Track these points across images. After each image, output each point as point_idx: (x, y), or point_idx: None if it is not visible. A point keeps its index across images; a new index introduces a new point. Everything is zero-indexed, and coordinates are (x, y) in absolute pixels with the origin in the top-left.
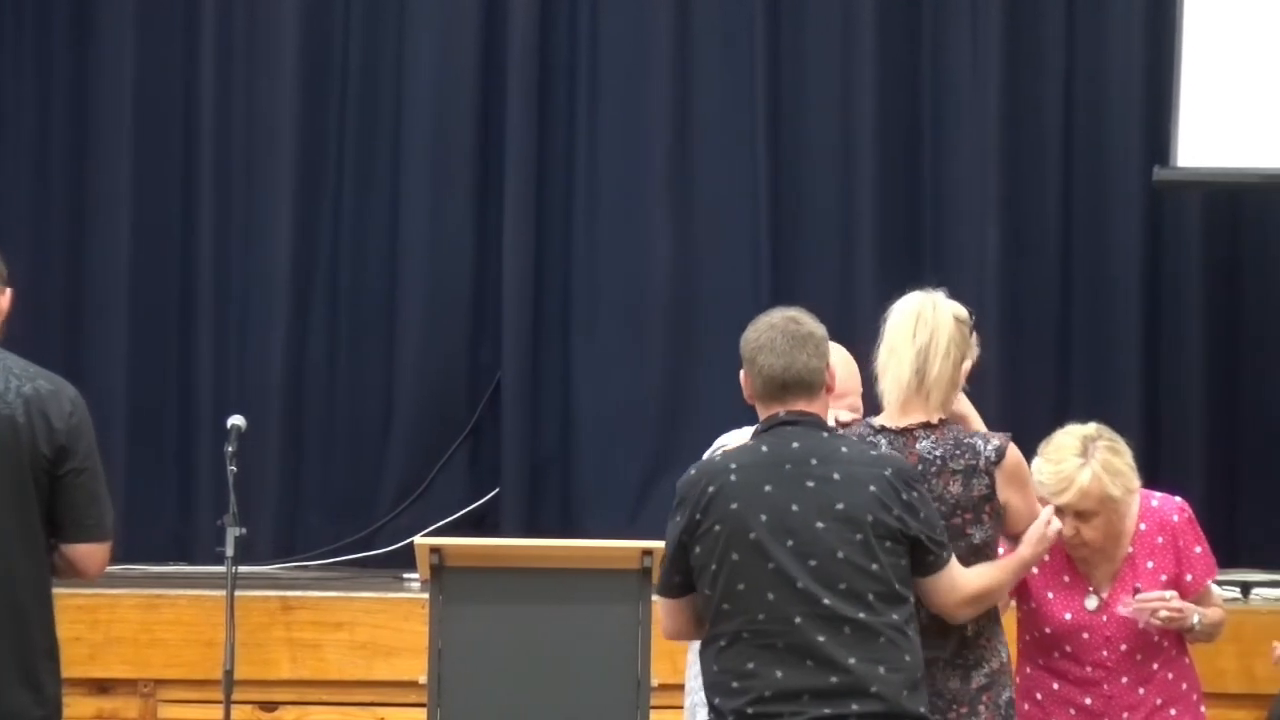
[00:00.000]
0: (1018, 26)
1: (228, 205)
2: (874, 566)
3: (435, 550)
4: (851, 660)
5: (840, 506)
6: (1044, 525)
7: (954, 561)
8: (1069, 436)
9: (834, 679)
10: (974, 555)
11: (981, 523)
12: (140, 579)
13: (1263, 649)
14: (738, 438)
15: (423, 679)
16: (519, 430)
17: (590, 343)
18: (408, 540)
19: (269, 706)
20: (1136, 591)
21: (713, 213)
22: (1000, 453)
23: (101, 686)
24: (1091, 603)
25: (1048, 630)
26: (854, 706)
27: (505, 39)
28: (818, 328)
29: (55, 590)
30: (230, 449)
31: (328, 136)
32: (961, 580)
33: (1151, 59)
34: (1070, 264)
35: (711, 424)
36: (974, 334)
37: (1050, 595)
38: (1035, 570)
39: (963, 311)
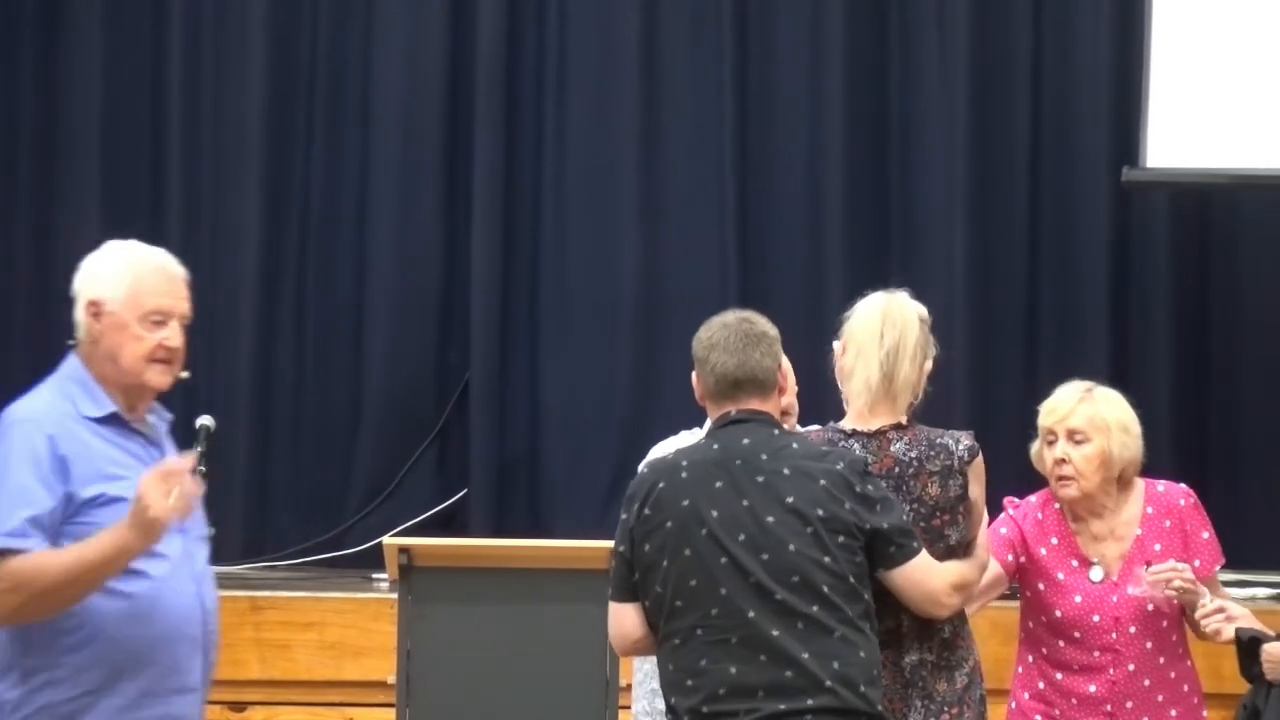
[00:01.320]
0: (986, 27)
1: (196, 206)
2: (826, 559)
3: (404, 550)
4: (805, 655)
5: (790, 500)
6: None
7: (925, 553)
8: (1077, 382)
9: (789, 673)
10: (949, 555)
11: (957, 523)
12: None
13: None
14: (673, 444)
15: (392, 679)
16: (487, 431)
17: (558, 343)
18: (377, 540)
19: (238, 707)
20: (1148, 565)
21: (681, 213)
22: (973, 452)
23: None
24: (1096, 573)
25: (1057, 614)
26: (809, 702)
27: (473, 41)
28: (770, 328)
29: None
30: (199, 449)
31: (296, 138)
32: (939, 569)
33: (1120, 60)
34: (1039, 264)
35: (679, 424)
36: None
37: (1061, 577)
38: (1044, 552)
39: (924, 312)
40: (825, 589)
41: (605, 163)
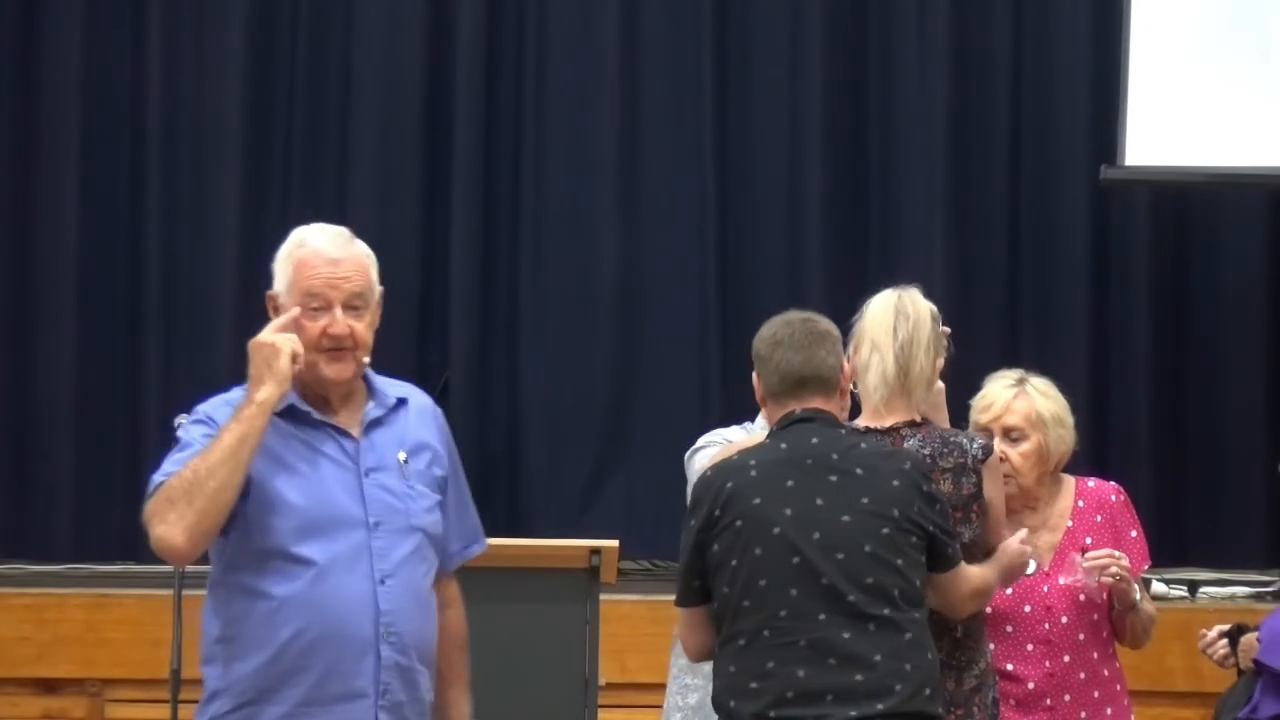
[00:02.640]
0: (965, 25)
1: (175, 206)
2: (899, 562)
3: None
4: (877, 657)
5: (865, 500)
6: (1019, 540)
7: (962, 559)
8: (1006, 372)
9: (859, 677)
10: (964, 554)
11: (970, 522)
12: (88, 578)
13: None
14: (729, 435)
15: None
16: (466, 429)
17: (537, 342)
18: None
19: None
20: (1084, 551)
21: (660, 210)
22: (987, 450)
23: (48, 686)
24: (1029, 567)
25: (989, 610)
26: (879, 706)
27: (453, 38)
28: (833, 328)
29: (1, 589)
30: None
31: (274, 138)
32: (970, 574)
33: (1099, 58)
34: (1018, 262)
35: (658, 422)
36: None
37: None
38: None
39: (935, 309)
40: (896, 592)
41: (584, 160)
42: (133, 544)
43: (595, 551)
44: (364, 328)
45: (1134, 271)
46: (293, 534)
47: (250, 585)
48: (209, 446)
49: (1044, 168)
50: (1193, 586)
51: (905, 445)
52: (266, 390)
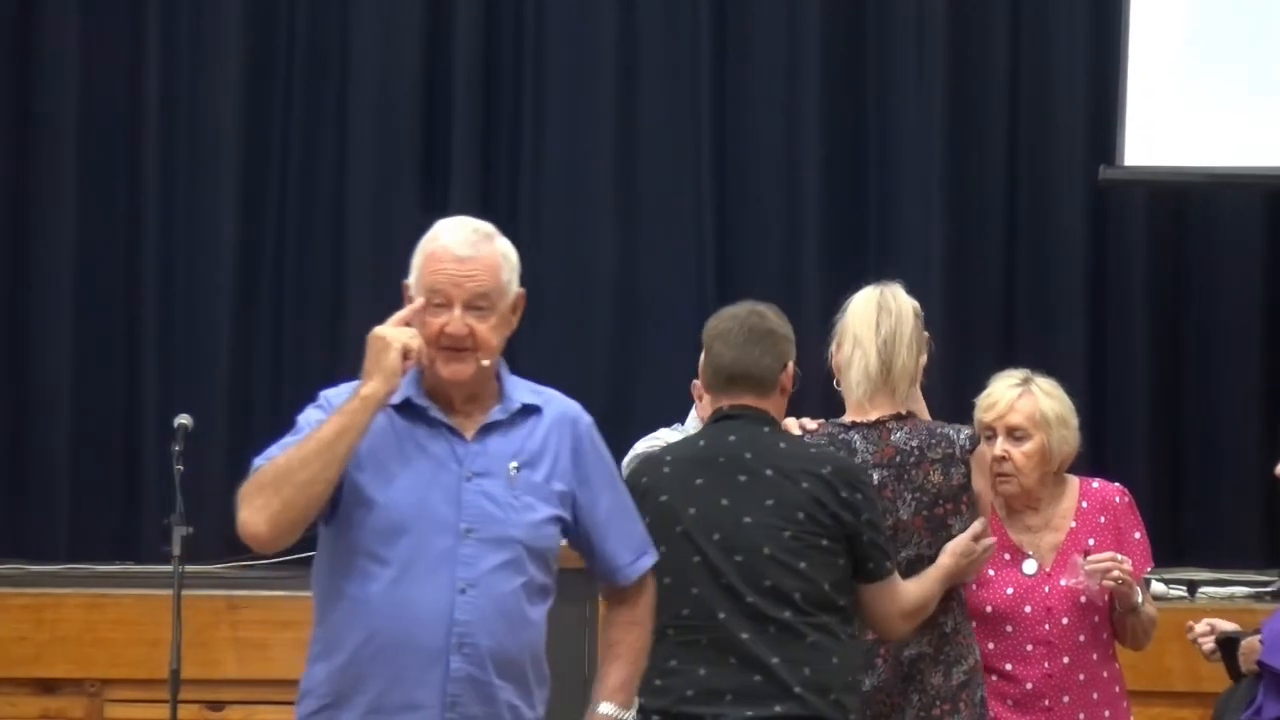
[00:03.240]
0: (963, 24)
1: (172, 202)
2: (801, 565)
3: None
4: (775, 660)
5: (770, 503)
6: (969, 537)
7: (896, 575)
8: (1012, 372)
9: (757, 678)
10: None
11: (960, 513)
12: (85, 578)
13: None
14: (663, 437)
15: None
16: None
17: (533, 342)
18: None
19: (216, 706)
20: (1086, 552)
21: (657, 213)
22: (974, 440)
23: (46, 686)
24: (1030, 566)
25: (989, 610)
26: (777, 708)
27: (450, 38)
28: (780, 326)
29: None
30: (177, 448)
31: (272, 135)
32: (902, 593)
33: (1097, 57)
34: (1015, 262)
35: (655, 421)
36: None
37: (991, 573)
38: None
39: (917, 305)
40: (797, 596)
41: (581, 160)
42: (130, 544)
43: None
44: (487, 329)
45: (1132, 271)
46: (377, 534)
47: (338, 583)
48: (307, 436)
49: (1042, 168)
50: (1191, 586)
51: (893, 438)
52: (373, 385)
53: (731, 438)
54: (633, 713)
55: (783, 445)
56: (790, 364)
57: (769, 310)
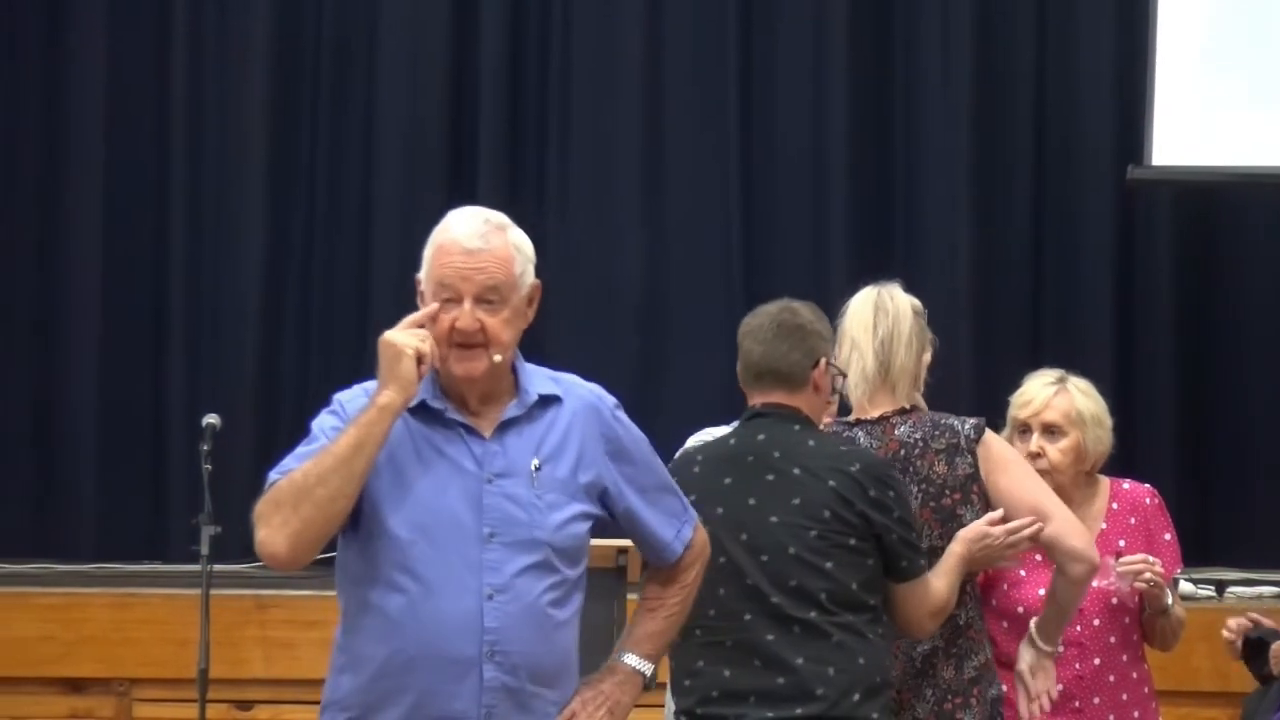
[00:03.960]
0: (989, 23)
1: (199, 203)
2: (827, 565)
3: None
4: (799, 661)
5: (796, 502)
6: (984, 523)
7: (927, 574)
8: (1047, 371)
9: (780, 680)
10: None
11: (971, 503)
12: (113, 577)
13: None
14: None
15: None
16: None
17: (561, 340)
18: None
19: (244, 705)
20: (1118, 555)
21: (684, 210)
22: (979, 430)
23: (74, 685)
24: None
25: (1020, 610)
26: (799, 711)
27: (478, 34)
28: (814, 323)
29: (26, 588)
30: (205, 447)
31: (300, 137)
32: (932, 591)
33: (1125, 57)
34: (1042, 261)
35: (682, 422)
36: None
37: (1023, 574)
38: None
39: (918, 303)
40: (823, 596)
41: (608, 162)
42: (158, 543)
43: (622, 551)
44: (498, 323)
45: (1159, 271)
46: (398, 544)
47: (361, 593)
48: (324, 450)
49: (1069, 168)
50: (1220, 586)
51: (897, 432)
52: (388, 395)
53: (760, 436)
54: (652, 667)
55: (812, 443)
56: (823, 361)
57: (803, 307)
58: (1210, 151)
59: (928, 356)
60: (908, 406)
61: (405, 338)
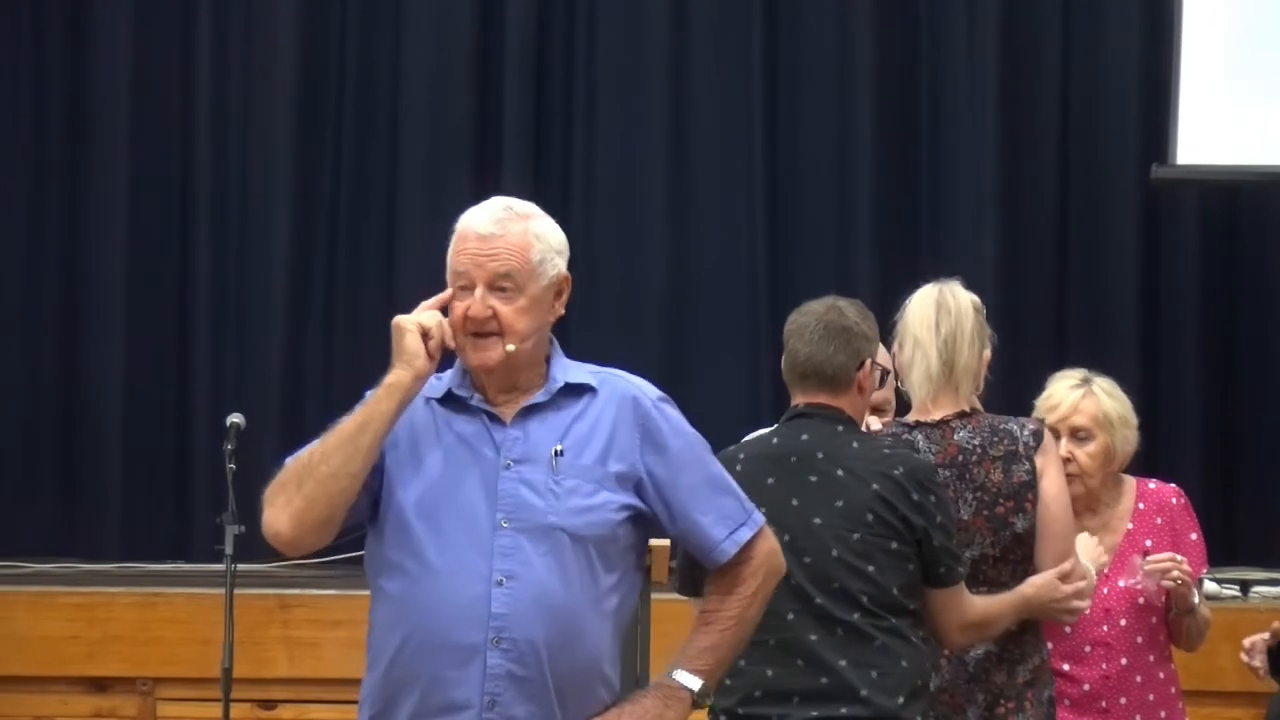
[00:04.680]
0: (1014, 20)
1: (225, 202)
2: (870, 568)
3: None
4: (842, 663)
5: (839, 504)
6: (1056, 574)
7: (963, 584)
8: (1070, 372)
9: (824, 680)
10: (1017, 545)
11: (1024, 511)
12: (138, 577)
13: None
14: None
15: None
16: None
17: (587, 336)
18: None
19: (268, 705)
20: (1145, 554)
21: (709, 206)
22: (1038, 437)
23: (99, 685)
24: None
25: (1067, 629)
26: (843, 710)
27: (502, 29)
28: (860, 324)
29: (51, 588)
30: (229, 447)
31: (324, 134)
32: (967, 603)
33: (1150, 55)
34: (1067, 261)
35: (707, 418)
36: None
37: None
38: None
39: (978, 300)
40: (864, 598)
41: (633, 159)
42: (182, 543)
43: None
44: (513, 311)
45: (1184, 270)
46: (409, 529)
47: (380, 584)
48: (331, 429)
49: (1094, 167)
50: (1244, 586)
51: (956, 437)
52: (396, 373)
53: (804, 437)
54: (702, 684)
55: (855, 445)
56: (868, 362)
57: (849, 306)
58: (1236, 150)
59: (988, 354)
60: (968, 410)
61: (411, 317)
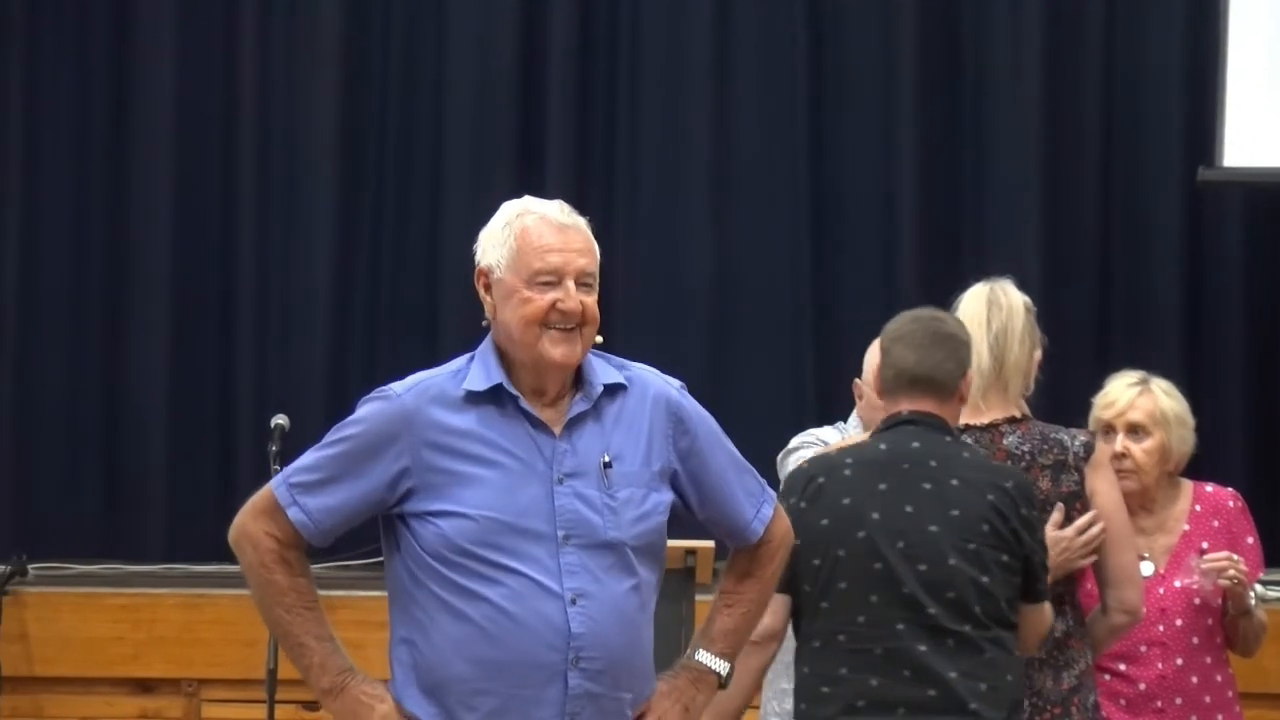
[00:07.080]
0: (1058, 21)
1: (268, 201)
2: (985, 579)
3: None
4: (953, 674)
5: (955, 513)
6: (1053, 528)
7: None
8: (1128, 373)
9: (932, 692)
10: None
11: (1071, 519)
12: (182, 578)
13: None
14: (822, 436)
15: None
16: None
17: (630, 339)
18: None
19: (311, 706)
20: (1202, 553)
21: (752, 210)
22: (1089, 448)
23: (144, 686)
24: (1145, 568)
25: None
26: None
27: (546, 30)
28: (961, 332)
29: (96, 589)
30: (274, 448)
31: (368, 134)
32: (1048, 615)
33: (1196, 55)
34: (1111, 263)
35: (751, 420)
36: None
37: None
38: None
39: (1029, 300)
40: (978, 609)
41: (677, 157)
42: (226, 544)
43: (690, 552)
44: (594, 304)
45: (1229, 273)
46: (469, 548)
47: (435, 594)
48: (276, 618)
49: (1138, 169)
50: None
51: (1005, 442)
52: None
53: (915, 444)
54: (728, 666)
55: (965, 455)
56: (970, 371)
57: (948, 315)
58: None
59: (1038, 355)
60: (1018, 415)
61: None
